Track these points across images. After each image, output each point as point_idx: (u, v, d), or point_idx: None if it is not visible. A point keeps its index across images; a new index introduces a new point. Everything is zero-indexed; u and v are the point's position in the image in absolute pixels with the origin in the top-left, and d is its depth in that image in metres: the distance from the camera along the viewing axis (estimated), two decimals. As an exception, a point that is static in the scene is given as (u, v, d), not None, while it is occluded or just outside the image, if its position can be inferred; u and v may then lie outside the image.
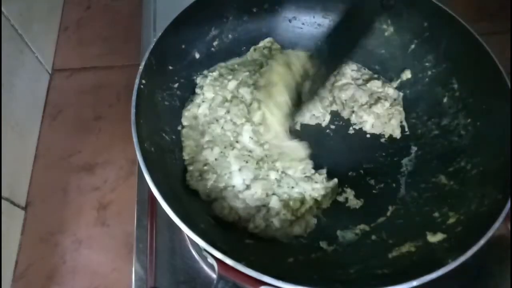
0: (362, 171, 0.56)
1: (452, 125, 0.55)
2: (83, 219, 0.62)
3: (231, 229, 0.49)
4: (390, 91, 0.62)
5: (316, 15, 0.65)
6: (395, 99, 0.62)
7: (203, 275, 0.52)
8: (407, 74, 0.61)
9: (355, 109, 0.61)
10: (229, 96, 0.59)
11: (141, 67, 0.49)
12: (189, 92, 0.59)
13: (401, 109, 0.61)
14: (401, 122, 0.60)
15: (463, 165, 0.50)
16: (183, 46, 0.58)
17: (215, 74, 0.61)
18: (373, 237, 0.50)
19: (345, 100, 0.62)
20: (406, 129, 0.60)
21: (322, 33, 0.65)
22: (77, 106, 0.72)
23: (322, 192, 0.53)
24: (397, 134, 0.59)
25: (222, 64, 0.63)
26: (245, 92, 0.59)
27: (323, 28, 0.65)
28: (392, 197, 0.54)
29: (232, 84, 0.59)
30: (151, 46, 0.51)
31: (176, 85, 0.57)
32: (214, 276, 0.51)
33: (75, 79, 0.75)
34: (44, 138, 0.69)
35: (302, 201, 0.52)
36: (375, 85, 0.62)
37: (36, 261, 0.59)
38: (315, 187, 0.53)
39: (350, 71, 0.64)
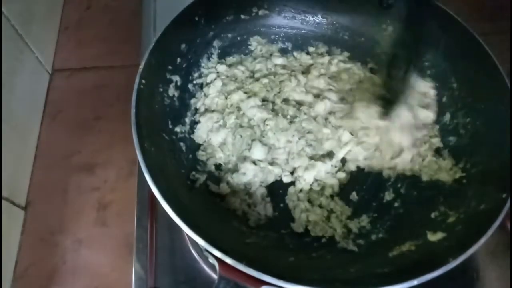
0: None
1: (452, 124, 0.55)
2: (83, 219, 0.62)
3: (232, 229, 0.49)
4: None
5: (315, 14, 0.65)
6: None
7: (203, 275, 0.52)
8: (406, 74, 0.61)
9: None
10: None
11: (141, 67, 0.49)
12: (189, 91, 0.60)
13: None
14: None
15: (462, 164, 0.50)
16: (183, 46, 0.58)
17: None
18: (373, 236, 0.50)
19: None
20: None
21: (321, 32, 0.66)
22: (77, 106, 0.72)
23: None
24: None
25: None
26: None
27: (323, 28, 0.66)
28: (392, 196, 0.54)
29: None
30: (151, 46, 0.51)
31: (176, 84, 0.57)
32: (214, 276, 0.51)
33: (75, 79, 0.75)
34: (44, 138, 0.69)
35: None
36: None
37: (36, 261, 0.59)
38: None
39: None
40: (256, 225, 0.51)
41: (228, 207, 0.52)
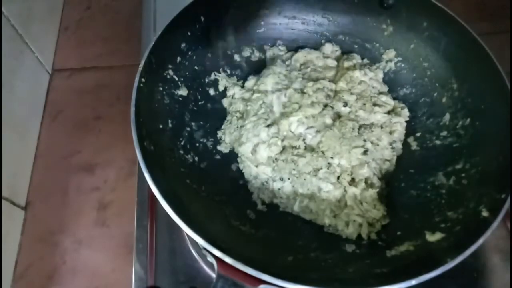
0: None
1: (451, 125, 0.55)
2: (83, 219, 0.62)
3: (231, 228, 0.49)
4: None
5: (316, 14, 0.65)
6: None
7: (203, 275, 0.52)
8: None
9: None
10: None
11: (140, 66, 0.49)
12: (188, 90, 0.60)
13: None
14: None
15: (462, 165, 0.50)
16: (183, 45, 0.58)
17: None
18: (372, 236, 0.50)
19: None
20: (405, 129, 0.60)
21: (321, 32, 0.66)
22: (77, 106, 0.72)
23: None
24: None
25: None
26: None
27: (323, 27, 0.66)
28: (392, 197, 0.54)
29: None
30: (151, 45, 0.51)
31: (176, 83, 0.57)
32: (213, 275, 0.51)
33: (75, 79, 0.76)
34: (44, 138, 0.69)
35: None
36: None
37: (36, 261, 0.59)
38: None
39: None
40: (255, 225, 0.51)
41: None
